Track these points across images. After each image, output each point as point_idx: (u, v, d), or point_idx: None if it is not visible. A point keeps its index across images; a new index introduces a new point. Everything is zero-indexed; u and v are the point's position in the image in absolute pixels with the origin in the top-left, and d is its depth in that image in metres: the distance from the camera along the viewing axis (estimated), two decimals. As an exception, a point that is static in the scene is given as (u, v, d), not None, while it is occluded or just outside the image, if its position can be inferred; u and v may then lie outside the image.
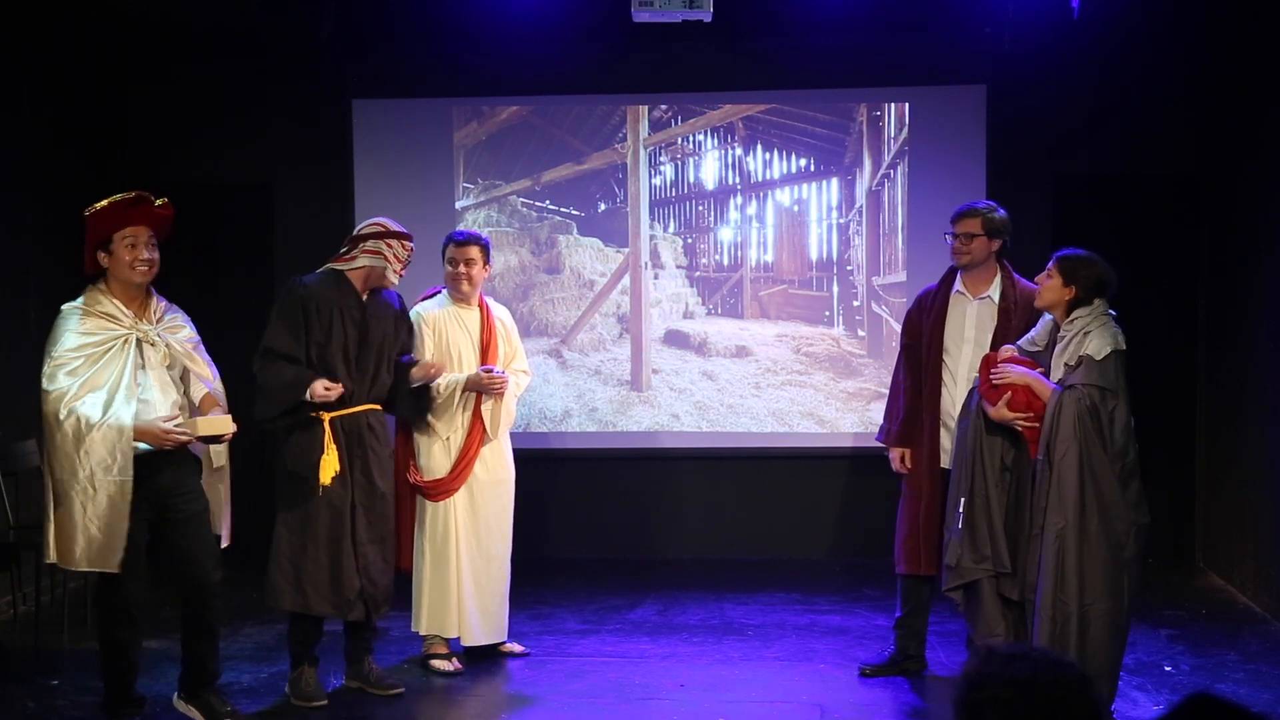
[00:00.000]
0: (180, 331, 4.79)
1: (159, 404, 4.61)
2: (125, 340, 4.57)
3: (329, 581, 5.03)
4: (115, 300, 4.61)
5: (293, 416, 5.00)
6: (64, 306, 4.60)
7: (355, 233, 5.23)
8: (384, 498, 5.20)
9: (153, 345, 4.64)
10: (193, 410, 4.75)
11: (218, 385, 4.84)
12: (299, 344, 4.98)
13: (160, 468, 4.60)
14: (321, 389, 4.91)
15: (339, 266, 5.14)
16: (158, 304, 4.75)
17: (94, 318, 4.55)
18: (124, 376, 4.52)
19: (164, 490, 4.62)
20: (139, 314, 4.65)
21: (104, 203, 4.58)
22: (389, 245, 5.13)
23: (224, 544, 4.92)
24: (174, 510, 4.66)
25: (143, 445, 4.52)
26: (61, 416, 4.43)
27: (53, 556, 4.55)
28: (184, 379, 4.75)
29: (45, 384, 4.48)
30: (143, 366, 4.59)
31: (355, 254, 5.13)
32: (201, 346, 4.87)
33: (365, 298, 5.16)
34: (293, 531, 5.03)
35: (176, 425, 4.58)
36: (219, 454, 4.84)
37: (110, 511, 4.45)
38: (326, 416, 5.02)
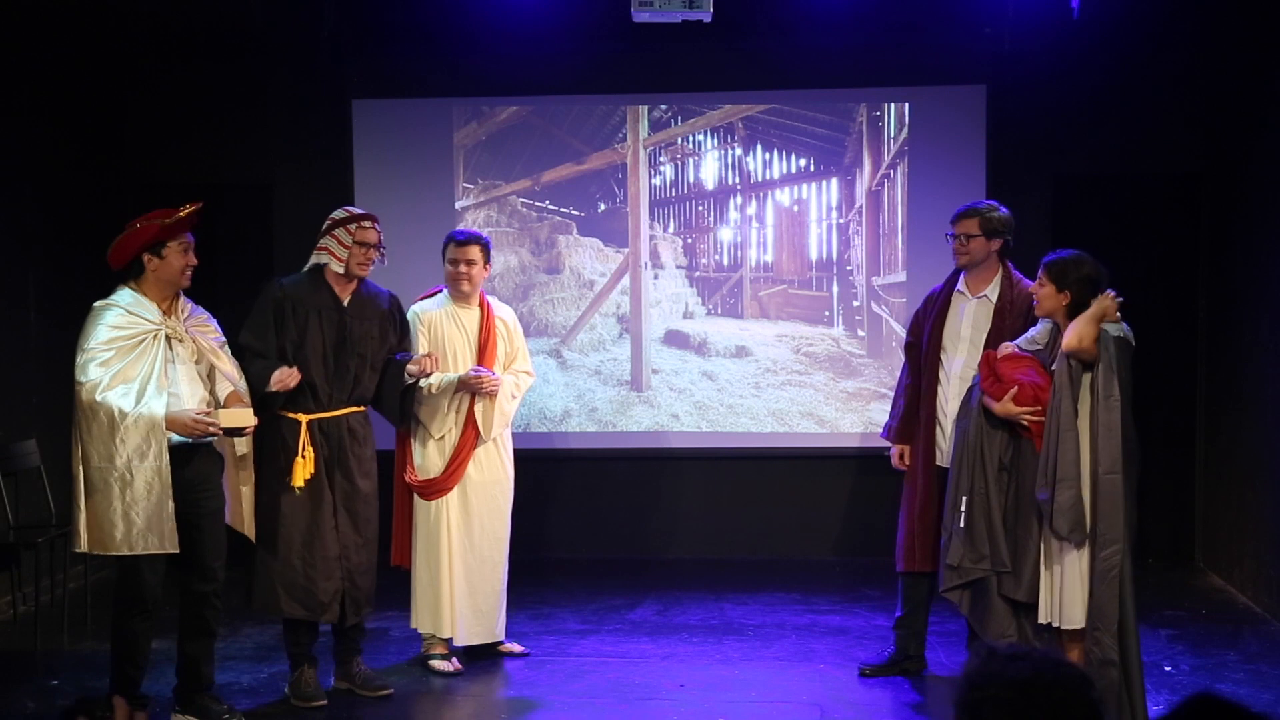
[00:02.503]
0: (207, 331, 4.89)
1: (186, 398, 4.71)
2: (155, 335, 4.67)
3: (300, 584, 5.02)
4: (147, 298, 4.71)
5: (274, 416, 5.02)
6: (96, 304, 4.69)
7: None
8: (367, 499, 5.19)
9: (180, 341, 4.74)
10: (217, 407, 4.83)
11: (242, 383, 4.92)
12: (266, 341, 5.01)
13: (187, 460, 4.68)
14: (278, 379, 4.91)
15: (311, 266, 5.17)
16: (184, 303, 4.85)
17: (126, 314, 4.64)
18: (155, 369, 4.63)
19: (188, 483, 4.69)
20: (167, 312, 4.75)
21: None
22: (334, 236, 5.11)
23: (251, 537, 5.01)
24: (193, 505, 4.72)
25: (174, 436, 4.62)
26: (96, 406, 4.51)
27: (83, 545, 4.60)
28: (210, 376, 4.85)
29: (79, 376, 4.57)
30: (172, 361, 4.70)
31: (314, 253, 5.15)
32: (227, 346, 4.96)
33: (348, 298, 5.15)
34: (267, 533, 5.03)
35: (204, 417, 4.67)
36: (241, 445, 4.94)
37: (149, 496, 4.54)
38: (304, 419, 5.03)
